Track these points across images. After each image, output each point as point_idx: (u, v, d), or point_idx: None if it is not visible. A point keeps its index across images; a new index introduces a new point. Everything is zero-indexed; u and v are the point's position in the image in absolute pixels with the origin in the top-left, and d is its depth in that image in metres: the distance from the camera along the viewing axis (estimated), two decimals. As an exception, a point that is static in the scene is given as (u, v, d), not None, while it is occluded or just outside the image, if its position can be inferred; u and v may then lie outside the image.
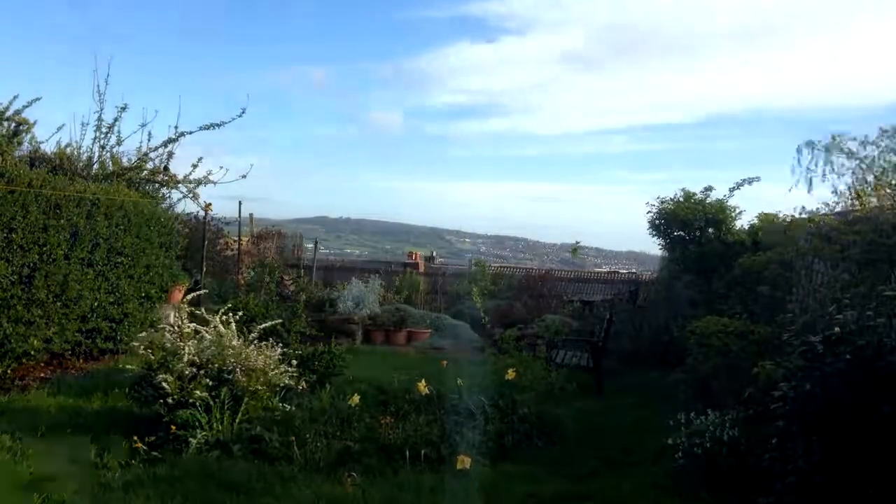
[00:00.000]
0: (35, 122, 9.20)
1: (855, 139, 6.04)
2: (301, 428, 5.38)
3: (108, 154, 9.89)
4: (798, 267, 6.23)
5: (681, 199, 9.13)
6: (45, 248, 6.51)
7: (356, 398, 5.94)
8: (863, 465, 3.43)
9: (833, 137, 6.17)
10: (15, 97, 9.00)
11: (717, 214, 8.79)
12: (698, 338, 6.03)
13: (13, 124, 8.93)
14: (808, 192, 6.23)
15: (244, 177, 11.02)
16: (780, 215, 8.04)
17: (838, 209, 6.18)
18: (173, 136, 10.35)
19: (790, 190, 6.39)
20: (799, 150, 6.31)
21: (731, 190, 9.07)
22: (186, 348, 5.35)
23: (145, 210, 8.64)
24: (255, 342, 5.69)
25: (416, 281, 15.27)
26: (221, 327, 5.65)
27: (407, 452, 4.94)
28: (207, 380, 5.21)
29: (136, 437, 5.02)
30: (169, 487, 4.21)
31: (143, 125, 10.13)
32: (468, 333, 13.10)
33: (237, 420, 5.21)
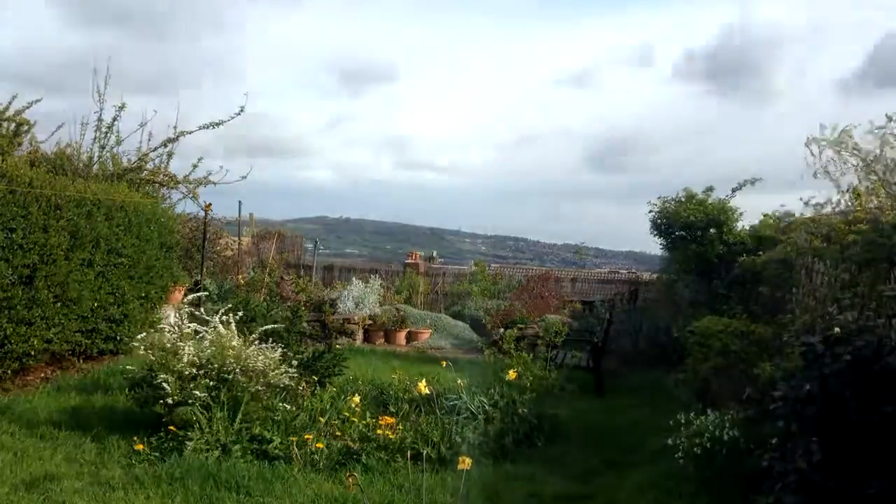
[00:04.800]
0: (35, 123, 9.20)
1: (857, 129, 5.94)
2: (301, 428, 5.39)
3: (108, 154, 9.89)
4: (798, 267, 6.22)
5: (682, 200, 9.12)
6: (45, 249, 6.50)
7: (356, 399, 5.94)
8: (863, 465, 3.44)
9: (841, 132, 6.07)
10: (14, 97, 8.99)
11: (719, 215, 8.79)
12: (698, 338, 6.03)
13: (13, 124, 8.91)
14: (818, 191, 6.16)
15: (244, 177, 11.06)
16: (781, 215, 8.05)
17: (840, 209, 6.16)
18: (173, 136, 10.37)
19: (796, 181, 6.31)
20: (808, 145, 6.20)
21: (733, 190, 9.08)
22: (186, 349, 5.35)
23: (146, 210, 8.63)
24: (256, 343, 5.69)
25: (416, 281, 15.28)
26: (221, 328, 5.65)
27: (407, 452, 4.94)
28: (207, 380, 5.21)
29: (136, 438, 5.02)
30: (169, 487, 4.22)
31: (143, 125, 10.15)
32: (468, 333, 13.11)
33: (237, 420, 5.21)
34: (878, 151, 5.84)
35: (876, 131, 5.79)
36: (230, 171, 10.77)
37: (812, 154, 6.14)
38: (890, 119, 5.67)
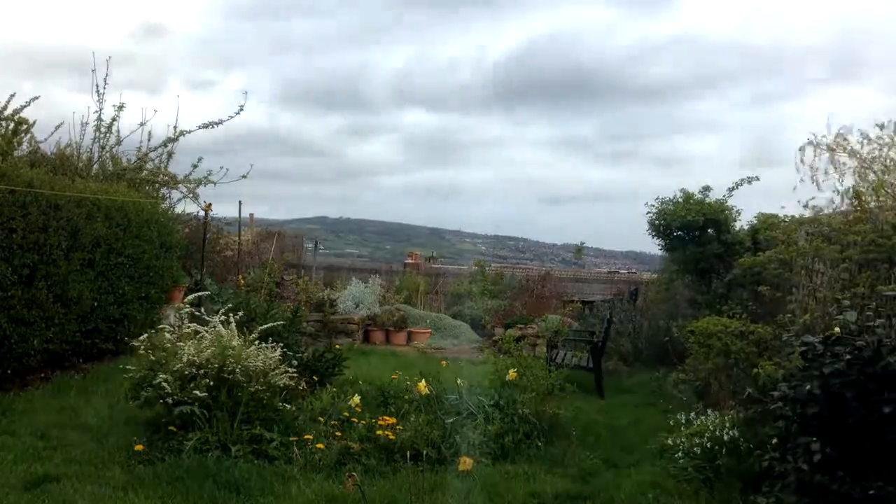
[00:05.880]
0: (35, 122, 9.18)
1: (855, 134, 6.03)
2: (301, 428, 5.39)
3: (108, 154, 9.89)
4: (798, 267, 6.22)
5: (680, 200, 9.12)
6: (45, 249, 6.50)
7: (356, 399, 5.95)
8: (863, 465, 3.44)
9: (836, 135, 6.13)
10: (12, 95, 8.97)
11: (717, 215, 8.79)
12: (698, 338, 6.03)
13: (12, 124, 8.89)
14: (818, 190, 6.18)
15: (244, 177, 11.07)
16: (781, 215, 8.04)
17: (839, 209, 6.16)
18: (173, 136, 10.38)
19: (794, 188, 6.36)
20: (802, 150, 6.27)
21: (730, 190, 9.09)
22: (186, 349, 5.35)
23: (146, 210, 8.64)
24: (256, 343, 5.69)
25: (416, 281, 15.27)
26: (221, 328, 5.64)
27: (407, 452, 4.95)
28: (207, 380, 5.20)
29: (136, 438, 5.03)
30: (169, 487, 4.22)
31: (143, 124, 10.16)
32: (468, 333, 13.11)
33: (237, 420, 5.21)
34: (875, 154, 5.90)
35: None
36: (230, 170, 10.81)
37: (803, 161, 6.22)
38: (882, 127, 5.80)
